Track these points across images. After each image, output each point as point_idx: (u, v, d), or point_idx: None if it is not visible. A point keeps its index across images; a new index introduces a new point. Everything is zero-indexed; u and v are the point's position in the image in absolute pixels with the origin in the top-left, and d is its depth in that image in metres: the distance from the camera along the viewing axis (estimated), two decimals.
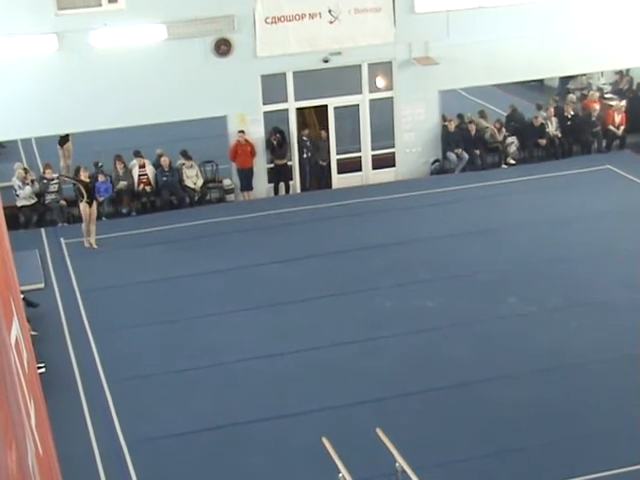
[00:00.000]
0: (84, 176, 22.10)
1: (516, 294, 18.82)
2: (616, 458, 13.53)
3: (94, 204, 22.15)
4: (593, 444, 14.00)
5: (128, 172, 24.73)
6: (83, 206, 21.93)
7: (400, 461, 11.78)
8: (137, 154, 24.97)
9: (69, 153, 26.98)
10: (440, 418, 14.94)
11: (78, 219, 23.03)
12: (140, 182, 24.54)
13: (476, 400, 15.32)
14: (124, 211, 24.47)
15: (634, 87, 29.48)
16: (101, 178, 24.07)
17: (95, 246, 22.09)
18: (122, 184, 24.49)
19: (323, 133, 25.63)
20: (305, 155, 25.39)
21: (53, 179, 24.10)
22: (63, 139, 26.72)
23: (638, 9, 26.76)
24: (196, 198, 24.90)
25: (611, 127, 27.19)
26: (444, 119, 26.45)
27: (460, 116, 27.03)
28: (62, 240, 22.60)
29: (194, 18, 23.63)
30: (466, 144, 26.31)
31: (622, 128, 27.23)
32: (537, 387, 15.59)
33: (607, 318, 17.73)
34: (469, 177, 25.60)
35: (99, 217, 23.52)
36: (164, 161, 24.70)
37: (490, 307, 18.36)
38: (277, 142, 24.98)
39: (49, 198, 23.98)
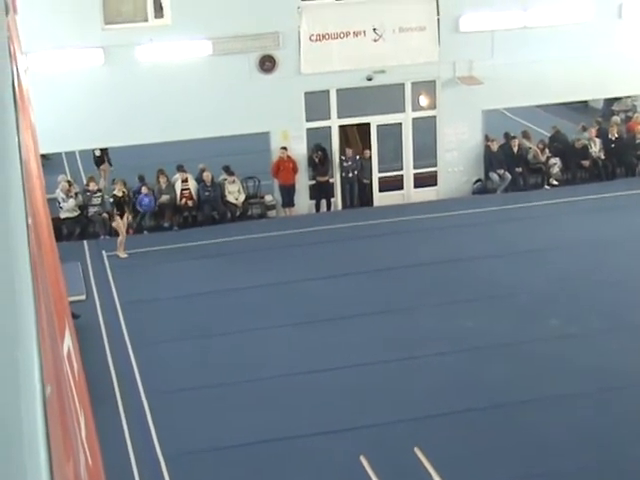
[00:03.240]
0: (118, 189, 22.48)
1: (557, 316, 18.68)
2: None
3: (125, 216, 22.64)
4: (631, 470, 13.83)
5: (171, 186, 24.86)
6: (116, 220, 22.46)
7: None
8: (180, 168, 25.10)
9: (105, 174, 27.20)
10: (478, 439, 14.82)
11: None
12: (182, 196, 24.65)
13: (514, 422, 15.20)
14: (166, 225, 24.59)
15: None
16: (144, 191, 24.23)
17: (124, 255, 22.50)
18: (164, 198, 24.62)
19: (366, 152, 25.62)
20: (347, 173, 25.36)
21: (96, 192, 24.27)
22: (99, 159, 26.95)
23: None
24: (238, 213, 24.99)
25: None
26: (487, 139, 26.37)
27: (506, 135, 26.92)
28: (104, 253, 22.73)
29: (239, 34, 23.76)
30: (509, 164, 26.21)
31: None
32: (577, 410, 15.43)
33: None
34: (511, 197, 25.50)
35: (141, 230, 23.66)
36: (206, 176, 24.81)
37: (531, 328, 18.21)
38: (319, 159, 25.02)
39: (92, 211, 24.16)
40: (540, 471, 13.87)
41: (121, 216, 22.32)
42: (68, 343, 3.51)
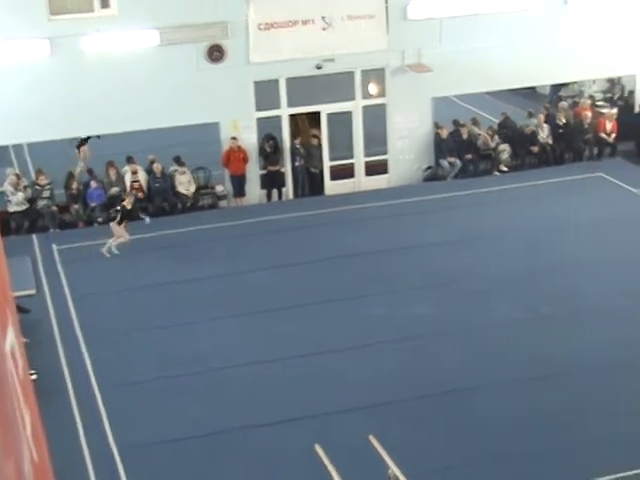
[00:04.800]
0: (128, 202, 22.11)
1: (508, 302, 18.83)
2: (603, 465, 13.54)
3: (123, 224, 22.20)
4: (582, 451, 14.01)
5: (120, 178, 24.70)
6: (114, 225, 21.98)
7: (393, 468, 11.74)
8: (129, 160, 24.95)
9: (85, 155, 26.78)
10: (432, 425, 14.94)
11: (69, 225, 23.02)
12: (132, 188, 24.49)
13: (467, 407, 15.33)
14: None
15: (625, 95, 29.50)
16: (94, 184, 24.06)
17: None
18: (114, 190, 24.46)
19: (315, 140, 25.64)
20: (298, 162, 25.37)
21: (45, 185, 24.03)
22: (81, 142, 26.59)
23: (629, 18, 26.84)
24: (188, 204, 24.89)
25: (603, 135, 27.25)
26: (437, 126, 26.47)
27: (456, 122, 27.03)
28: (54, 246, 22.54)
29: (187, 24, 23.63)
30: (459, 151, 26.35)
31: (613, 136, 27.29)
32: (528, 395, 15.60)
33: (597, 326, 17.74)
34: (461, 184, 25.62)
35: (91, 223, 23.52)
36: (156, 167, 24.69)
37: (482, 315, 18.36)
38: (271, 149, 24.98)
39: (41, 204, 23.92)
40: (493, 455, 14.01)
41: (120, 223, 21.99)
42: (11, 339, 3.47)
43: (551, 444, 14.20)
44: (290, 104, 25.18)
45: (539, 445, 14.18)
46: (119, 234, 21.92)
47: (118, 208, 22.09)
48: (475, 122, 27.74)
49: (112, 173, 24.64)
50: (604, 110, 28.37)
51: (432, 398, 15.58)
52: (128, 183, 24.57)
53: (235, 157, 24.74)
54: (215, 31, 23.99)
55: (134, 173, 24.67)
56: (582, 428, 14.61)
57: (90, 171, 24.64)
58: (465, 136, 26.63)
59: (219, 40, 24.11)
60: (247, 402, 15.80)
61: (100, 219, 23.97)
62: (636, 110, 28.04)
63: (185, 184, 24.90)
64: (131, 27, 23.40)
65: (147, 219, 21.88)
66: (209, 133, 25.08)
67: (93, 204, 24.05)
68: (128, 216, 22.00)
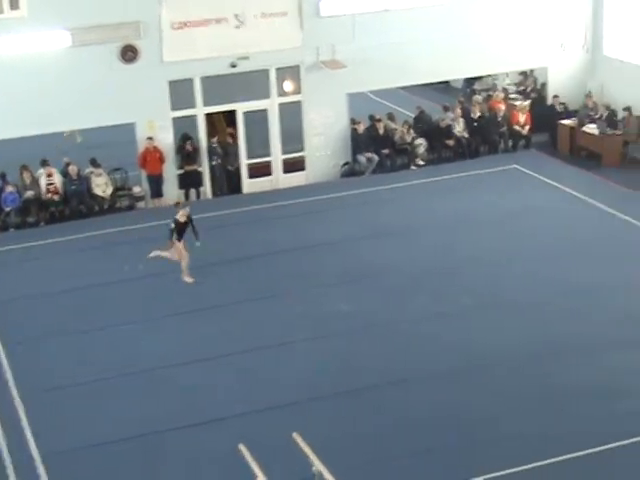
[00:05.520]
0: (181, 215, 20.03)
1: (426, 295, 19.00)
2: (520, 458, 13.66)
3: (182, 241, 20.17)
4: (499, 445, 14.11)
5: (35, 182, 24.38)
6: (176, 243, 20.04)
7: (317, 464, 11.78)
8: (44, 163, 24.65)
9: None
10: (354, 420, 14.98)
11: None
12: (48, 191, 24.21)
13: (388, 402, 15.42)
14: (32, 221, 24.10)
15: (538, 87, 29.94)
16: (9, 189, 23.73)
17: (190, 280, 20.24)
18: (29, 194, 24.14)
19: (231, 138, 25.60)
20: (215, 161, 25.30)
21: None
22: None
23: (540, 12, 27.27)
24: (106, 206, 24.68)
25: (516, 127, 27.62)
26: (353, 122, 26.59)
27: (371, 118, 27.17)
28: None
29: (99, 24, 23.42)
30: (375, 146, 26.50)
31: (527, 128, 27.68)
32: (447, 388, 15.73)
33: (516, 318, 17.96)
34: (379, 179, 25.79)
35: (6, 228, 23.20)
36: (72, 169, 24.45)
37: (401, 309, 18.48)
38: (192, 148, 24.86)
39: None
40: (413, 450, 14.11)
41: (179, 240, 20.08)
42: None
43: (470, 438, 14.34)
44: (206, 103, 25.10)
45: (459, 439, 14.32)
46: (178, 252, 20.11)
47: (172, 226, 19.95)
48: (391, 117, 27.93)
49: (26, 176, 24.30)
50: (517, 103, 28.75)
51: (353, 394, 15.65)
52: (43, 186, 24.26)
53: (152, 157, 24.60)
54: (128, 31, 23.80)
55: (49, 176, 24.38)
56: (500, 421, 14.75)
57: (3, 175, 24.28)
58: (381, 131, 26.80)
59: (132, 40, 23.93)
60: (173, 403, 15.72)
61: (14, 223, 23.68)
62: (549, 102, 28.45)
63: (102, 186, 24.68)
64: (42, 28, 23.10)
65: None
66: (125, 134, 24.87)
67: (8, 208, 23.70)
68: (183, 230, 20.04)
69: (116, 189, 25.11)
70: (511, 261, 20.32)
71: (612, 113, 26.96)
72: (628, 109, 26.40)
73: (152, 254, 20.29)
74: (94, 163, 24.85)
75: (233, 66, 24.83)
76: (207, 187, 25.51)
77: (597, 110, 27.32)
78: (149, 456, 14.38)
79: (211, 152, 25.32)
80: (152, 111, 24.52)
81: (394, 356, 16.85)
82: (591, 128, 26.81)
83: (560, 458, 13.60)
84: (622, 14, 27.34)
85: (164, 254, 20.25)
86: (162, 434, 14.82)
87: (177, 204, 20.67)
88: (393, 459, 13.88)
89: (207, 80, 24.85)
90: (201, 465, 14.08)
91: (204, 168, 25.38)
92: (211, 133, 25.56)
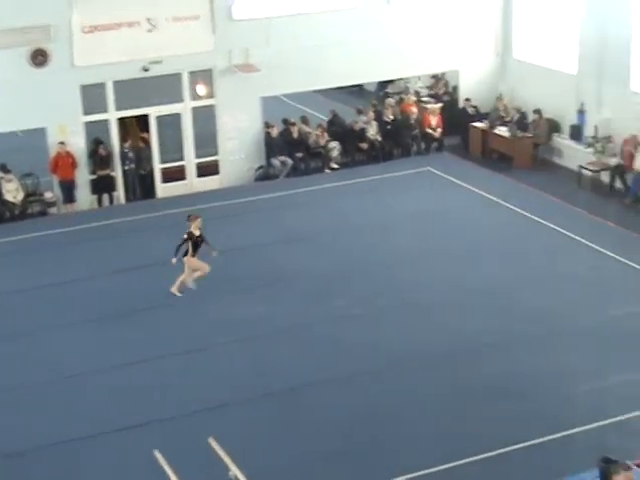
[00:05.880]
0: (195, 227, 19.08)
1: (342, 297, 19.09)
2: (432, 459, 13.78)
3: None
4: (412, 446, 14.25)
5: None
6: (189, 259, 19.17)
7: (233, 469, 11.79)
8: None
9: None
10: (271, 424, 15.03)
11: None
12: None
13: (305, 404, 15.50)
14: None
15: (450, 90, 30.28)
16: None
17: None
18: None
19: (144, 142, 25.47)
20: (127, 166, 25.13)
21: None
22: None
23: (451, 16, 27.61)
24: (17, 212, 24.38)
25: (429, 130, 27.90)
26: (267, 125, 26.62)
27: (285, 121, 27.22)
28: None
29: (8, 28, 23.14)
30: (289, 150, 26.57)
31: (439, 130, 27.99)
32: (362, 389, 15.85)
33: (428, 318, 18.16)
34: (293, 182, 25.87)
35: None
36: None
37: (316, 312, 18.55)
38: (106, 153, 24.66)
39: None
40: (331, 450, 14.20)
41: (193, 255, 19.18)
42: None
43: (386, 437, 14.48)
44: (118, 107, 24.93)
45: (375, 438, 14.44)
46: (195, 267, 19.33)
47: (185, 237, 18.99)
48: (305, 120, 28.02)
49: None
50: (429, 106, 29.04)
51: (270, 397, 15.70)
52: None
53: (64, 162, 24.35)
54: (38, 35, 23.54)
55: None
56: (416, 420, 14.92)
57: None
58: (295, 135, 26.88)
59: (42, 44, 23.67)
60: (90, 410, 15.59)
61: None
62: (460, 105, 28.79)
63: (12, 192, 24.35)
64: None
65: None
66: (36, 139, 24.60)
67: None
68: (198, 244, 19.13)
69: (27, 195, 24.80)
70: (424, 262, 20.53)
71: (522, 116, 27.41)
72: (538, 112, 26.84)
73: (175, 288, 19.39)
74: (4, 169, 24.51)
75: (145, 70, 24.73)
76: (120, 192, 25.31)
77: (508, 113, 27.75)
78: (67, 463, 14.24)
79: (124, 157, 25.14)
80: (64, 116, 24.28)
81: (309, 359, 16.91)
82: (502, 131, 27.23)
83: (472, 459, 13.75)
84: (531, 18, 27.81)
85: (199, 273, 19.33)
86: (80, 442, 14.67)
87: (190, 217, 19.24)
88: (308, 462, 13.94)
89: (119, 84, 24.68)
90: (120, 471, 13.99)
91: (117, 173, 25.19)
92: (124, 137, 25.39)
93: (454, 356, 16.71)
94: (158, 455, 12.43)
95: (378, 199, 24.31)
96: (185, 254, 19.04)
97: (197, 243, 19.03)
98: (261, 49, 25.55)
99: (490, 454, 13.83)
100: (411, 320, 18.14)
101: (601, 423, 14.49)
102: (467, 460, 13.72)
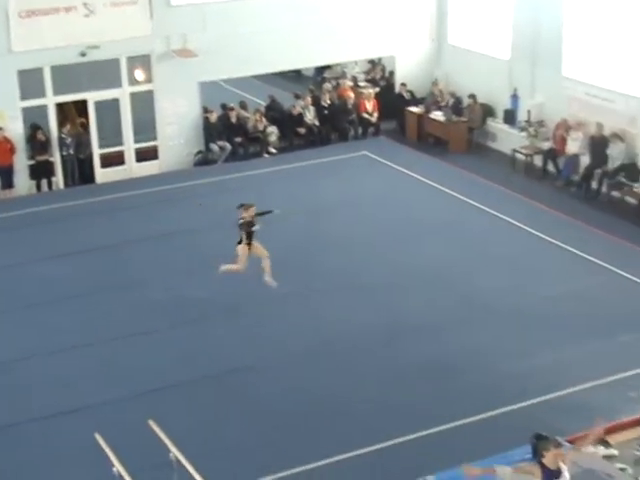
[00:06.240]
0: (248, 214, 17.88)
1: (281, 280, 19.22)
2: (370, 437, 14.09)
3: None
4: (352, 422, 14.60)
5: None
6: (242, 247, 18.04)
7: (174, 451, 11.90)
8: None
9: None
10: (212, 406, 15.25)
11: None
12: None
13: (246, 387, 15.74)
14: None
15: (386, 76, 30.61)
16: None
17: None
18: None
19: (83, 128, 25.50)
20: (66, 151, 25.14)
21: None
22: None
23: (387, 3, 27.96)
24: None
25: (365, 115, 28.22)
26: (206, 110, 26.76)
27: (224, 106, 27.38)
28: None
29: None
30: (228, 135, 26.74)
31: (376, 115, 28.31)
32: (301, 370, 16.16)
33: (367, 300, 18.50)
34: (232, 167, 26.05)
35: None
36: None
37: (257, 294, 18.66)
38: (45, 138, 24.62)
39: None
40: (266, 431, 14.48)
41: (249, 244, 18.03)
42: None
43: (324, 419, 14.77)
44: (56, 92, 24.91)
45: (314, 420, 14.75)
46: (240, 257, 18.07)
47: (241, 221, 17.85)
48: (243, 106, 28.20)
49: None
50: (364, 90, 29.36)
51: (210, 380, 15.92)
52: None
53: (1, 148, 24.28)
54: None
55: None
56: (353, 403, 15.19)
57: None
58: (234, 120, 27.05)
59: None
60: (30, 394, 15.69)
61: None
62: (397, 90, 29.14)
63: None
64: None
65: None
66: None
67: None
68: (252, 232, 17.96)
69: None
70: (362, 244, 20.85)
71: (457, 101, 27.83)
72: (473, 97, 27.28)
73: (229, 266, 18.25)
74: None
75: (83, 55, 24.72)
76: (59, 177, 25.32)
77: (443, 98, 28.15)
78: (8, 448, 14.31)
79: (62, 142, 25.14)
80: (1, 101, 24.20)
81: (250, 341, 17.17)
82: (437, 115, 27.63)
83: (409, 437, 14.11)
84: (465, 4, 28.22)
85: (235, 267, 18.24)
86: (18, 426, 14.74)
87: (243, 206, 17.94)
88: (248, 442, 14.18)
89: (57, 69, 24.65)
90: (59, 455, 14.11)
91: (56, 158, 25.20)
92: (62, 123, 25.38)
93: (391, 336, 17.08)
94: (99, 438, 12.47)
95: (316, 183, 24.60)
96: (240, 242, 18.04)
97: (250, 233, 17.97)
98: (199, 34, 25.68)
99: (426, 432, 14.17)
100: (350, 302, 18.45)
101: (533, 401, 14.90)
102: (403, 438, 14.04)
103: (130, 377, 16.12)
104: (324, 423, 14.66)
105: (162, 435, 12.31)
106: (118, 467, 11.68)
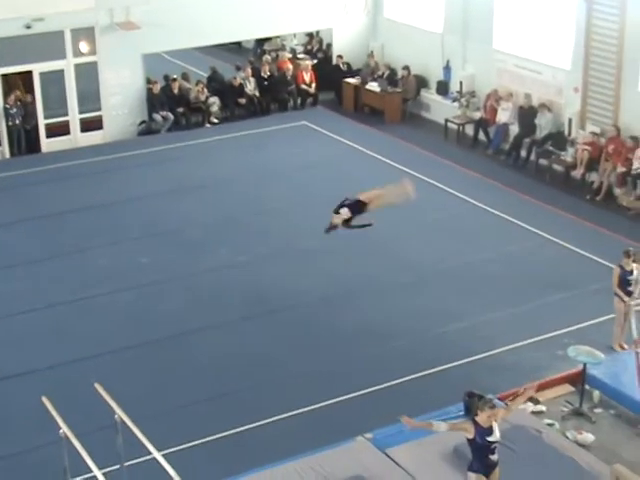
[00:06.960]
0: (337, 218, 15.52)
1: (225, 247, 19.96)
2: (308, 396, 14.77)
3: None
4: (289, 386, 15.22)
5: None
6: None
7: (119, 412, 11.92)
8: None
9: None
10: (156, 370, 15.77)
11: None
12: None
13: (188, 350, 16.29)
14: None
15: (324, 48, 31.31)
16: None
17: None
18: None
19: (28, 98, 25.88)
20: (11, 122, 25.51)
21: None
22: None
23: None
24: None
25: (303, 86, 28.93)
26: (149, 82, 27.27)
27: (166, 77, 27.94)
28: None
29: None
30: (171, 105, 27.33)
31: (314, 86, 28.99)
32: (242, 334, 16.77)
33: (308, 265, 19.19)
34: (175, 137, 26.57)
35: None
36: None
37: (201, 260, 19.38)
38: None
39: None
40: (213, 393, 15.04)
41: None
42: None
43: (267, 379, 15.40)
44: (1, 64, 25.24)
45: (256, 381, 15.34)
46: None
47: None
48: (185, 77, 28.76)
49: None
50: (302, 62, 30.03)
51: (155, 344, 16.44)
52: None
53: None
54: None
55: None
56: (293, 363, 15.88)
57: None
58: (176, 91, 27.59)
59: None
60: None
61: None
62: (334, 62, 29.87)
63: None
64: None
65: None
66: None
67: None
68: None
69: None
70: (303, 211, 21.30)
71: (392, 72, 28.56)
72: (407, 68, 28.07)
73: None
74: None
75: (28, 27, 25.02)
76: (5, 147, 25.70)
77: (378, 69, 28.92)
78: None
79: (7, 112, 25.53)
80: None
81: (193, 305, 17.74)
82: (373, 86, 28.37)
83: (347, 396, 14.79)
84: None
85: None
86: None
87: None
88: (191, 405, 14.71)
89: (2, 41, 24.89)
90: (7, 418, 14.47)
91: (1, 128, 25.58)
92: (7, 93, 25.73)
93: (329, 300, 17.78)
94: (46, 401, 12.26)
95: (257, 152, 25.21)
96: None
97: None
98: (141, 7, 26.06)
99: (363, 391, 14.87)
100: (290, 267, 19.07)
101: (467, 359, 15.65)
102: (342, 398, 14.73)
103: (76, 342, 16.56)
104: (264, 385, 15.23)
105: (107, 398, 12.21)
106: (65, 429, 11.58)
